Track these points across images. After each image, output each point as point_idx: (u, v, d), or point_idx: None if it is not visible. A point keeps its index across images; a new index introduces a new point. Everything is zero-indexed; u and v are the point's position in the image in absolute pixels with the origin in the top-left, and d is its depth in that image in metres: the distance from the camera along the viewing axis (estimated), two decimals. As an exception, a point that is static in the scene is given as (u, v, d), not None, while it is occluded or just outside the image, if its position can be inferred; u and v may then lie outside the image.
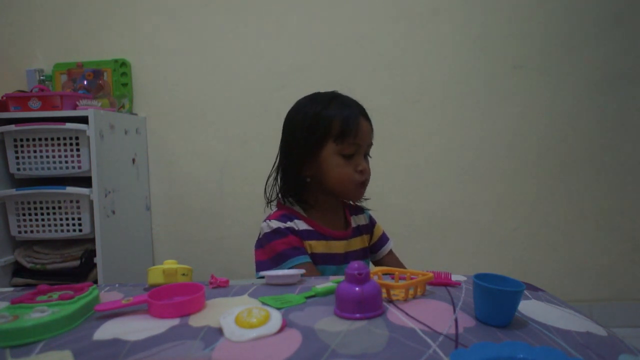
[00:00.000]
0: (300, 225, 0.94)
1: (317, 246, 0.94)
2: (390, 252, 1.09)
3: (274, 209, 1.01)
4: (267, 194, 1.01)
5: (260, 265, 0.93)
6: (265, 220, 0.95)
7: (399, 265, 1.07)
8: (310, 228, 0.95)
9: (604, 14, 1.77)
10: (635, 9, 1.77)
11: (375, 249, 1.08)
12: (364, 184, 0.96)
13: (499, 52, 1.81)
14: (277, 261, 0.90)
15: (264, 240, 0.93)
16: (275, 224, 0.92)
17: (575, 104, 1.81)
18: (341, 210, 1.04)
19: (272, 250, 0.91)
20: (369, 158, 0.99)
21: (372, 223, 1.09)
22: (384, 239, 1.09)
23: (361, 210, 1.09)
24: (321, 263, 0.93)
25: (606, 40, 1.78)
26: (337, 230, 0.99)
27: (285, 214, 0.95)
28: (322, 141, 0.92)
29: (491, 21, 1.80)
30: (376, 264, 1.08)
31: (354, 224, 1.03)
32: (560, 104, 1.81)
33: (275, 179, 1.00)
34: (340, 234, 0.99)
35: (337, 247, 0.97)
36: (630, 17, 1.77)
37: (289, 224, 0.93)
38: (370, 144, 0.98)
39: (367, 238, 1.06)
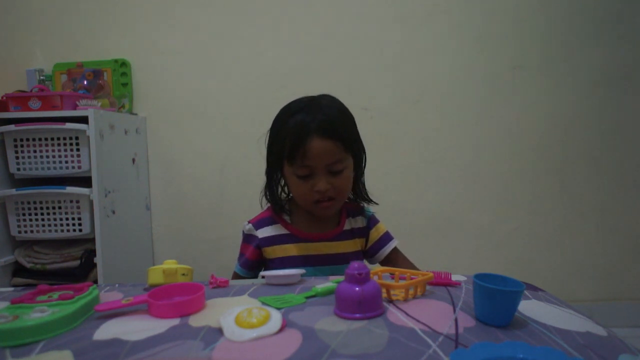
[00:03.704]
0: (272, 231, 0.97)
1: (292, 249, 0.96)
2: (395, 250, 1.02)
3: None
4: (262, 198, 1.02)
5: None
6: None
7: (407, 263, 1.01)
8: (285, 232, 0.97)
9: (603, 14, 1.77)
10: (635, 9, 1.77)
11: (372, 252, 1.02)
12: (326, 202, 0.91)
13: (499, 52, 1.80)
14: (238, 259, 1.01)
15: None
16: (246, 227, 1.00)
17: (575, 104, 1.81)
18: (335, 212, 1.00)
19: (240, 249, 1.02)
20: (343, 173, 0.90)
21: (369, 226, 1.02)
22: (383, 240, 1.02)
23: (361, 212, 1.03)
24: (299, 265, 0.93)
25: (606, 40, 1.78)
26: (322, 232, 0.97)
27: (263, 218, 1.00)
28: (279, 161, 0.93)
29: (491, 21, 1.80)
30: (383, 264, 1.02)
31: (347, 227, 1.00)
32: (560, 104, 1.81)
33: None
34: (318, 236, 0.96)
35: (315, 249, 0.96)
36: (630, 17, 1.77)
37: (255, 231, 0.98)
38: (334, 162, 0.88)
39: (362, 242, 1.01)
